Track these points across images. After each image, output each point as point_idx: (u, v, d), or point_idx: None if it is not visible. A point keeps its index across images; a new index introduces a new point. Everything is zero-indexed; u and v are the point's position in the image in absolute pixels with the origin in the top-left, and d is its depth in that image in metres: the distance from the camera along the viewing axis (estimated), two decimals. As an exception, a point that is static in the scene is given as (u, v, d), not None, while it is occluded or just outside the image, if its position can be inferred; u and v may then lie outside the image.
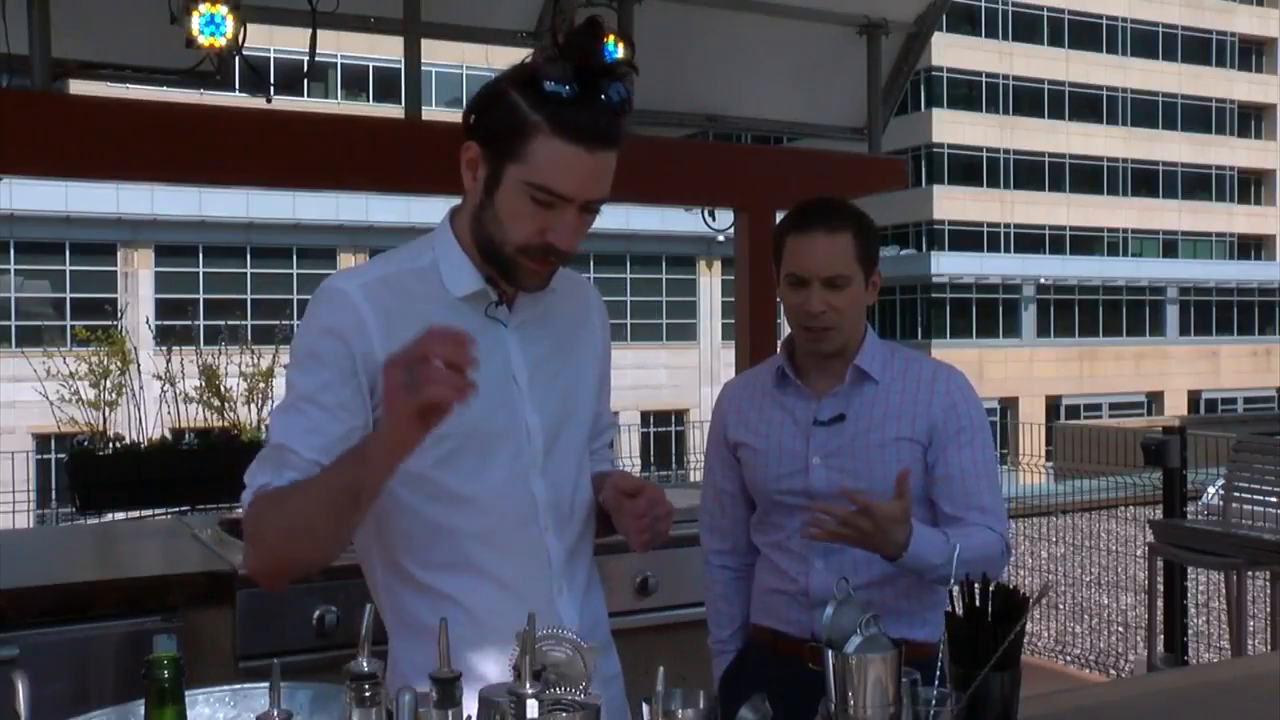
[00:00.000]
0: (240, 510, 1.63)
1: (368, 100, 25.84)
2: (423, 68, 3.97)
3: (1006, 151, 36.50)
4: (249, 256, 24.35)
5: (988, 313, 35.78)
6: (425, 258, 1.68)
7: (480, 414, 1.61)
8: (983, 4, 35.80)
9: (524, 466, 1.70)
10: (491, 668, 1.59)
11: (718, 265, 27.19)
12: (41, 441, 16.38)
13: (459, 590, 1.66)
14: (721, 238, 6.29)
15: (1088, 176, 37.65)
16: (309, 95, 22.29)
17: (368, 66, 25.24)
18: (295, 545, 1.56)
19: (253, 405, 5.09)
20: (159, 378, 5.21)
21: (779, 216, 2.91)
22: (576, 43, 1.58)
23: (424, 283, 1.66)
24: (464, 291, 1.67)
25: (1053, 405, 34.56)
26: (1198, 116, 39.52)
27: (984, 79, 36.10)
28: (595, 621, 1.79)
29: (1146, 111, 38.54)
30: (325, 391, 1.59)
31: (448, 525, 1.66)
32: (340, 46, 21.66)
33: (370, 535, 1.69)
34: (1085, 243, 37.97)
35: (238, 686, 1.37)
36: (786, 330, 2.27)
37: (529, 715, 1.18)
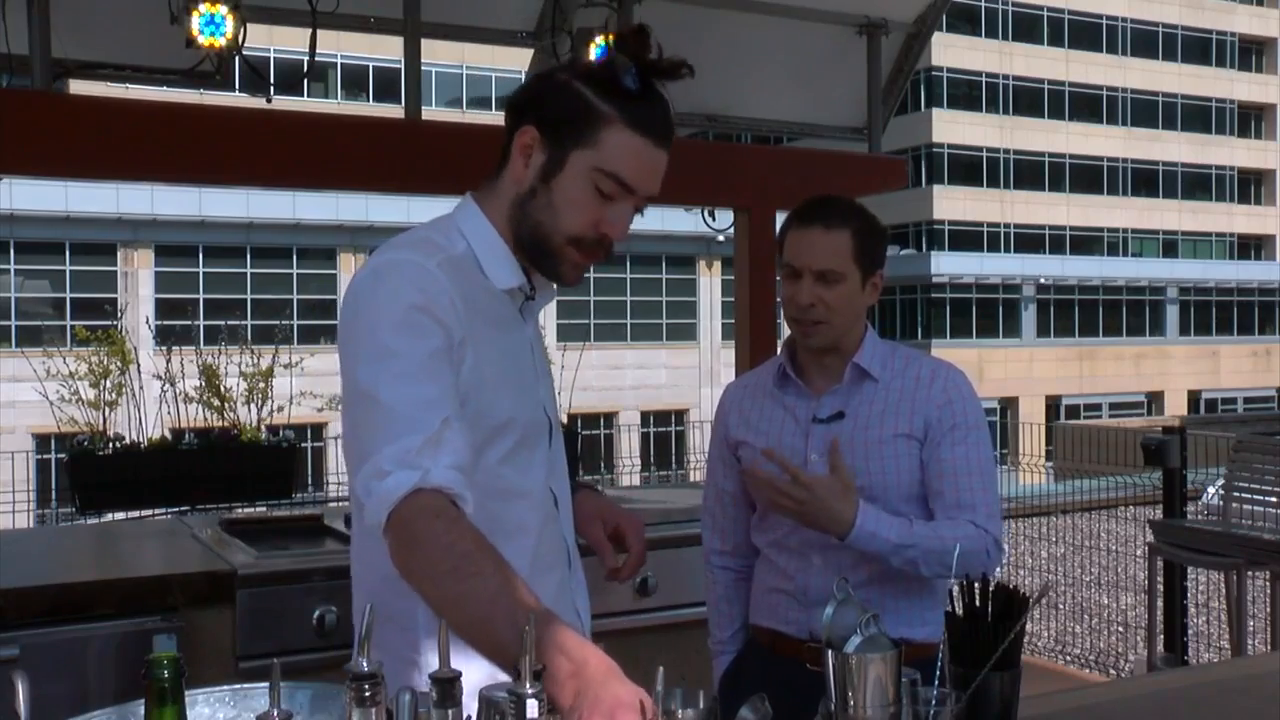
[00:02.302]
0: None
1: (368, 100, 25.84)
2: (423, 68, 3.96)
3: (1006, 151, 36.49)
4: (249, 256, 24.34)
5: (987, 313, 35.77)
6: (459, 245, 1.62)
7: (529, 406, 1.64)
8: (983, 4, 35.79)
9: (549, 461, 1.70)
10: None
11: (718, 265, 27.19)
12: (41, 441, 16.36)
13: None
14: (721, 238, 6.28)
15: (1088, 176, 37.64)
16: (309, 95, 22.30)
17: (368, 66, 25.24)
18: (438, 603, 1.40)
19: (253, 405, 5.09)
20: (159, 378, 5.21)
21: (779, 216, 2.91)
22: (631, 44, 1.62)
23: (468, 270, 1.61)
24: (507, 285, 1.64)
25: (1053, 405, 34.55)
26: (1198, 116, 39.51)
27: (984, 79, 36.09)
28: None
29: (1146, 111, 38.53)
30: (437, 358, 1.50)
31: (516, 522, 1.62)
32: (340, 46, 21.66)
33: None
34: (1085, 243, 37.96)
35: (238, 686, 1.36)
36: (787, 331, 2.28)
37: (529, 715, 1.17)
